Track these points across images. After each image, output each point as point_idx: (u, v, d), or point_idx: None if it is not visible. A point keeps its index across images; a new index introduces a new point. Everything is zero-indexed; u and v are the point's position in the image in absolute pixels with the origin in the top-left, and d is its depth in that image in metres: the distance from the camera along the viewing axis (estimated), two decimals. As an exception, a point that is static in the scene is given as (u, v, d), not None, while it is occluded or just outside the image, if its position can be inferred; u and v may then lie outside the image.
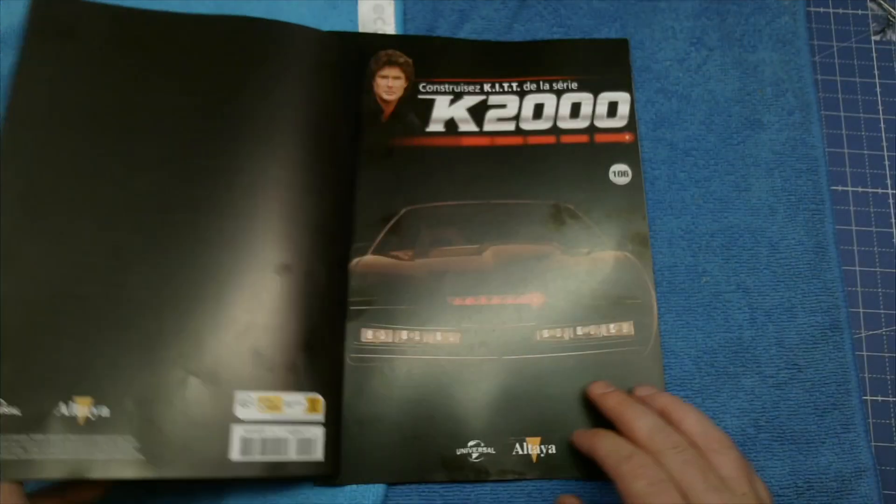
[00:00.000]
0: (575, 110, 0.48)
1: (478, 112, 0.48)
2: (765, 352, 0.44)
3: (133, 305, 0.39)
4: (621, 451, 0.36)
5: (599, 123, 0.48)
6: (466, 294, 0.44)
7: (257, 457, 0.38)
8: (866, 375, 0.45)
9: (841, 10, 0.53)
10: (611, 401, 0.39)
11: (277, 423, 0.39)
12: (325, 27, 0.50)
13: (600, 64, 0.49)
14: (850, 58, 0.52)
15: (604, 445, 0.37)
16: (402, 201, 0.46)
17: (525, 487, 0.42)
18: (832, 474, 0.42)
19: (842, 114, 0.51)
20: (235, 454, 0.38)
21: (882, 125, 0.51)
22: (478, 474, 0.41)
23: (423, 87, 0.48)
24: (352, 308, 0.44)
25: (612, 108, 0.48)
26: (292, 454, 0.39)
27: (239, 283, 0.40)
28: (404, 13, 0.50)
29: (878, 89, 0.51)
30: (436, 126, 0.48)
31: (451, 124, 0.48)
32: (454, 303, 0.44)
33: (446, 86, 0.48)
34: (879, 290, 0.47)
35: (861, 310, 0.47)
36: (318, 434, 0.40)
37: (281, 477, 0.39)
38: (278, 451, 0.39)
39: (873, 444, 0.44)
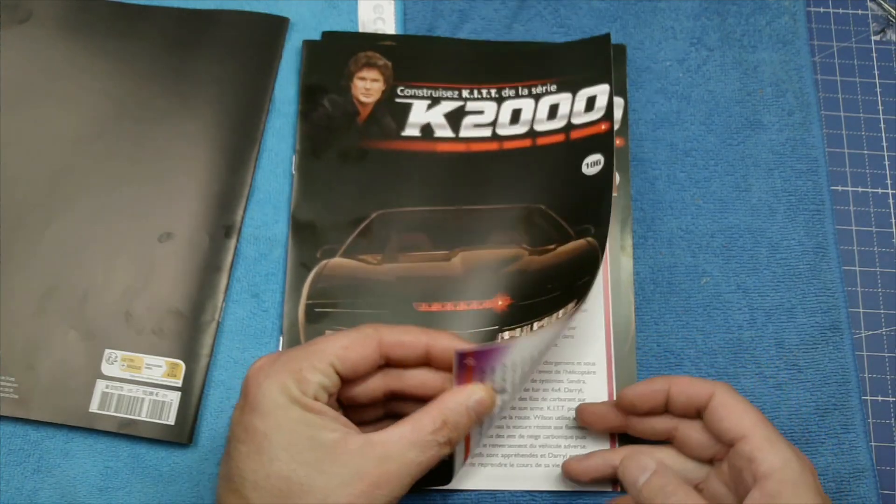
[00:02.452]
0: (552, 112, 0.47)
1: (455, 118, 0.47)
2: (764, 352, 0.44)
3: (36, 263, 0.44)
4: None
5: (576, 120, 0.47)
6: (433, 300, 0.44)
7: (112, 412, 0.42)
8: (866, 375, 0.45)
9: (841, 10, 0.53)
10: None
11: (136, 382, 0.42)
12: (325, 27, 0.50)
13: (581, 63, 0.48)
14: (850, 58, 0.52)
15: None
16: (374, 205, 0.46)
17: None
18: (830, 475, 0.42)
19: (842, 114, 0.51)
20: (94, 407, 0.42)
21: (882, 125, 0.50)
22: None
23: (401, 90, 0.48)
24: (317, 310, 0.44)
25: (591, 103, 0.47)
26: (144, 414, 0.42)
27: (124, 248, 0.44)
28: (404, 13, 0.50)
29: (878, 89, 0.51)
30: (411, 130, 0.47)
31: (426, 129, 0.47)
32: (420, 309, 0.44)
33: (424, 90, 0.48)
34: (879, 290, 0.47)
35: (861, 310, 0.46)
36: (173, 398, 0.42)
37: (132, 435, 0.41)
38: (132, 409, 0.42)
39: (873, 444, 0.44)
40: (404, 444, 0.32)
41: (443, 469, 0.39)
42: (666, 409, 0.39)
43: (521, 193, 0.46)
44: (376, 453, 0.32)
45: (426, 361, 0.36)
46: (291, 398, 0.32)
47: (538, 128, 0.47)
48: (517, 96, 0.48)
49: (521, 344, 0.35)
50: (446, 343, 0.35)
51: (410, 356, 0.35)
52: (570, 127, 0.47)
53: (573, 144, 0.46)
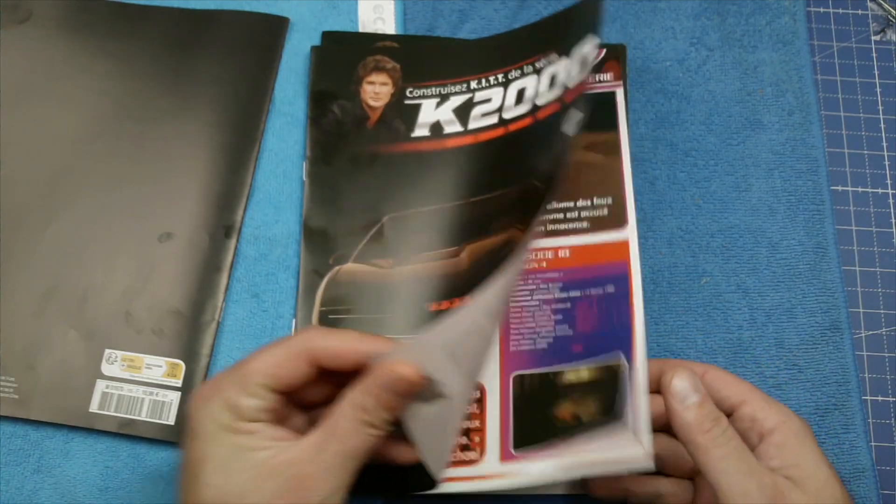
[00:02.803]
0: (552, 81, 0.46)
1: (463, 111, 0.47)
2: (765, 352, 0.44)
3: (36, 263, 0.44)
4: None
5: (571, 83, 0.44)
6: (444, 298, 0.44)
7: (112, 412, 0.42)
8: (866, 375, 0.45)
9: (841, 10, 0.53)
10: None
11: (136, 382, 0.42)
12: (325, 27, 0.50)
13: (576, 25, 0.45)
14: (850, 58, 0.52)
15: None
16: (385, 209, 0.45)
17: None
18: (831, 475, 0.42)
19: (842, 114, 0.51)
20: (94, 407, 0.42)
21: (882, 125, 0.50)
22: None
23: (410, 91, 0.48)
24: (330, 317, 0.44)
25: (584, 61, 0.44)
26: (144, 414, 0.42)
27: (124, 248, 0.45)
28: (404, 13, 0.50)
29: (878, 89, 0.51)
30: (421, 131, 0.47)
31: (436, 127, 0.47)
32: (431, 309, 0.43)
33: (433, 89, 0.48)
34: (879, 290, 0.47)
35: (861, 310, 0.46)
36: (173, 398, 0.42)
37: (132, 435, 0.42)
38: (132, 409, 0.42)
39: (873, 444, 0.44)
40: (323, 441, 0.33)
41: (423, 472, 0.38)
42: (658, 390, 0.39)
43: (521, 174, 0.45)
44: (303, 458, 0.32)
45: (364, 369, 0.35)
46: (222, 426, 0.33)
47: (539, 102, 0.46)
48: (523, 75, 0.47)
49: (449, 323, 0.35)
50: (380, 348, 0.35)
51: (346, 364, 0.35)
52: (565, 92, 0.45)
53: (565, 109, 0.44)
